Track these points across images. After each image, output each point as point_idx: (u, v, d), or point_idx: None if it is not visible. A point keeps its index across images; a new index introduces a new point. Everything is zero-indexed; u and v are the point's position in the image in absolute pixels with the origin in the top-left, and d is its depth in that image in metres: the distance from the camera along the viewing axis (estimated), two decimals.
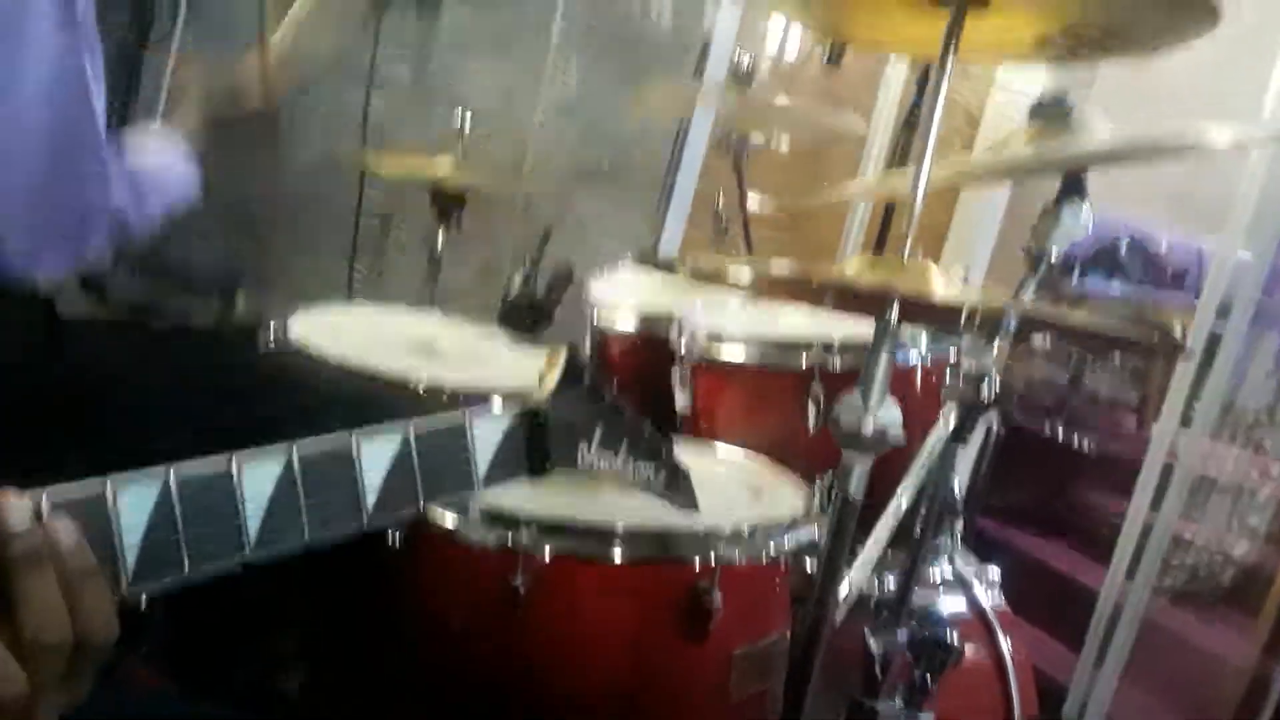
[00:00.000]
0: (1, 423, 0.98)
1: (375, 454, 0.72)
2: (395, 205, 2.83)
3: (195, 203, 1.45)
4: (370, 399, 1.35)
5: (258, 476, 0.67)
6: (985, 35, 1.05)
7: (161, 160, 1.24)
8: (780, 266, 1.08)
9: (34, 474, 0.63)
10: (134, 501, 0.62)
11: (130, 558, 0.61)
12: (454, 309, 1.93)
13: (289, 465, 0.68)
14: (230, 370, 1.24)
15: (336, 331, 1.53)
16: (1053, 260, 1.32)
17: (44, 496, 0.60)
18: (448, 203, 2.06)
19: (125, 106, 2.46)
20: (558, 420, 0.82)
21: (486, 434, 0.78)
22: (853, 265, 1.08)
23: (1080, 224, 1.31)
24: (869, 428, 0.97)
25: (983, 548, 1.70)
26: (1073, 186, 1.32)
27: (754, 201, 2.50)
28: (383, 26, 2.70)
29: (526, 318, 1.83)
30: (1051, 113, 1.38)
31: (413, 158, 2.15)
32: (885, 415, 0.98)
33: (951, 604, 1.46)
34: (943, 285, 1.03)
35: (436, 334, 1.67)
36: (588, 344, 1.88)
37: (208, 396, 1.15)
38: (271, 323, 1.46)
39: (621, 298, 1.87)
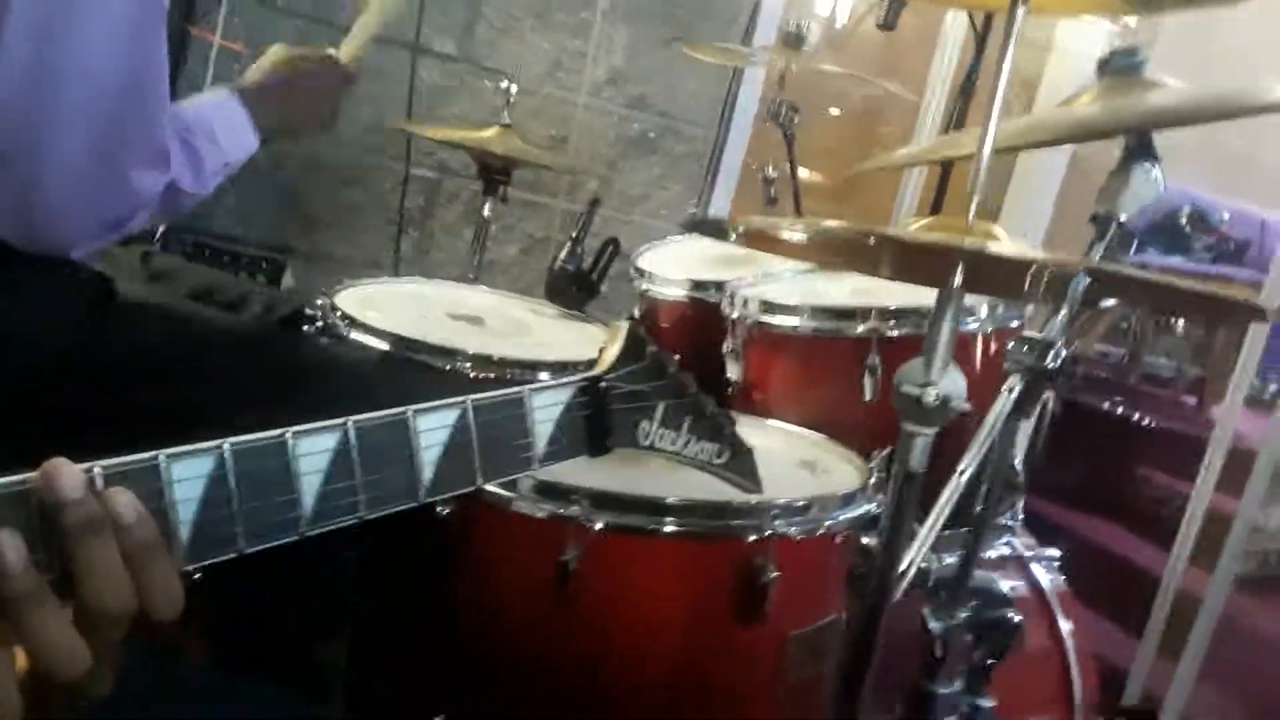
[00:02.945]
0: (54, 401, 0.98)
1: (432, 429, 0.71)
2: (442, 178, 2.82)
3: (244, 176, 1.44)
4: (419, 373, 1.34)
5: (313, 450, 0.66)
6: None
7: (221, 123, 1.18)
8: (836, 228, 1.04)
9: (84, 453, 0.62)
10: (188, 474, 0.61)
11: (184, 531, 0.60)
12: (501, 281, 1.92)
13: (345, 439, 0.67)
14: (281, 350, 1.23)
15: (383, 305, 1.53)
16: (1122, 222, 1.27)
17: (96, 467, 0.59)
18: (494, 174, 2.05)
19: (172, 83, 2.47)
20: (618, 397, 0.80)
21: (546, 410, 0.76)
22: (914, 225, 1.04)
23: (1151, 186, 1.26)
24: (932, 396, 0.94)
25: (1039, 527, 1.66)
26: (1141, 148, 1.27)
27: (804, 172, 2.46)
28: None
29: (573, 289, 1.81)
30: (1122, 66, 1.32)
31: (459, 128, 2.13)
32: (949, 384, 0.95)
33: (1011, 585, 1.42)
34: (1009, 244, 0.99)
35: (483, 306, 1.66)
36: (637, 313, 1.86)
37: (259, 378, 1.14)
38: (319, 298, 1.46)
39: (670, 266, 1.85)
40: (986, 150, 0.96)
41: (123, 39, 0.95)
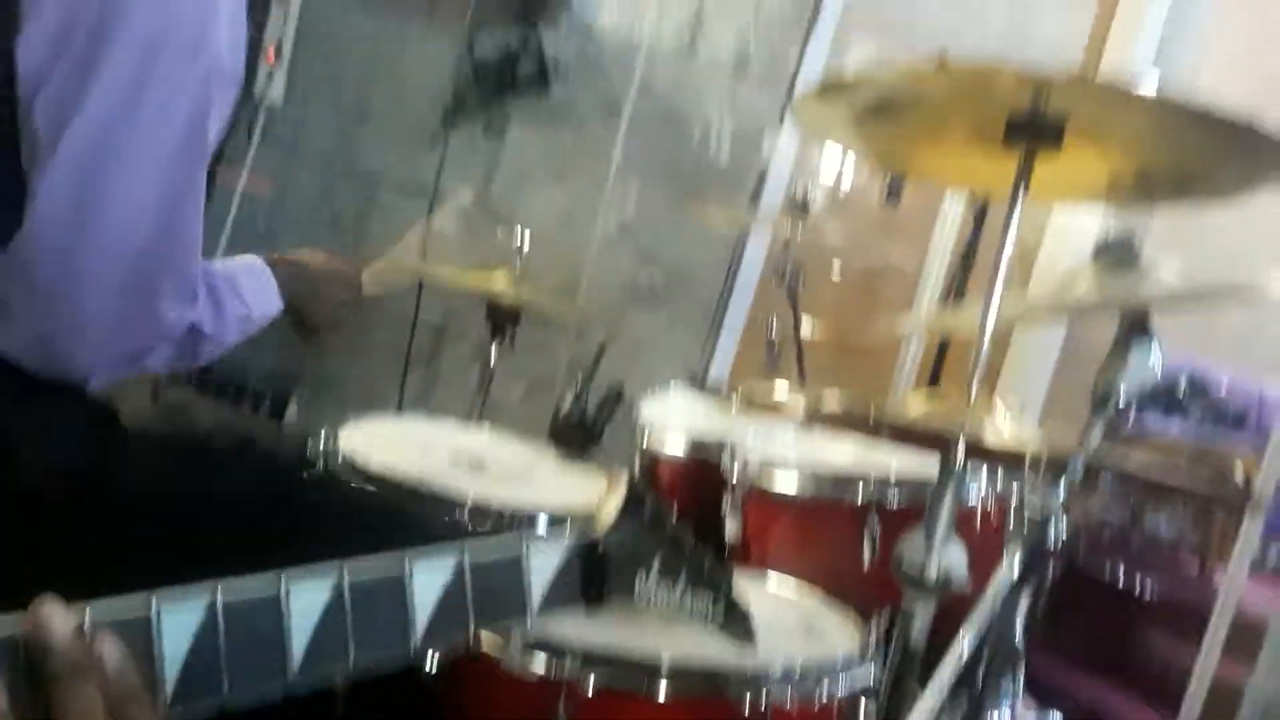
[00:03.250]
0: (56, 528, 0.98)
1: (428, 577, 0.70)
2: (450, 319, 2.87)
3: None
4: (419, 517, 1.34)
5: (306, 598, 0.65)
6: (1054, 176, 1.05)
7: (246, 279, 1.20)
8: (836, 400, 1.06)
9: (82, 581, 0.61)
10: (178, 621, 0.61)
11: (170, 678, 0.60)
12: (504, 424, 1.93)
13: (339, 587, 0.67)
14: (282, 487, 1.23)
15: (386, 444, 1.53)
16: (1120, 404, 1.29)
17: (87, 611, 0.58)
18: (502, 318, 2.08)
19: None
20: (616, 550, 0.80)
21: (543, 561, 0.76)
22: (914, 401, 1.05)
23: (1150, 366, 1.28)
24: (933, 570, 0.94)
25: (1040, 693, 1.61)
26: (1137, 327, 1.29)
27: (807, 327, 2.50)
28: (450, 146, 2.79)
29: (576, 436, 1.82)
30: (1118, 253, 1.36)
31: (471, 272, 2.18)
32: (950, 558, 0.95)
33: None
34: (1008, 426, 1.00)
35: (485, 449, 1.66)
36: (637, 465, 1.86)
37: (260, 516, 1.13)
38: (322, 433, 1.47)
39: (672, 420, 1.86)
40: (987, 334, 0.98)
41: (166, 177, 0.98)
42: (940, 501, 0.94)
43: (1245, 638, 2.03)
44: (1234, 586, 2.05)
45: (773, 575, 1.43)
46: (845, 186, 3.24)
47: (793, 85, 3.11)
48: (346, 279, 1.38)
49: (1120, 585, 2.85)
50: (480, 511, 1.36)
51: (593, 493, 1.55)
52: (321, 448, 1.44)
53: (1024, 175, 1.01)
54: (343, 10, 2.69)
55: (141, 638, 0.59)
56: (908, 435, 1.08)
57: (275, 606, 0.64)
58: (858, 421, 1.11)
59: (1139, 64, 3.56)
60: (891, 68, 0.96)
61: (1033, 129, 0.98)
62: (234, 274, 1.17)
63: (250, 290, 1.18)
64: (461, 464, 1.56)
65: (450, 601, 0.71)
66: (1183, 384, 3.67)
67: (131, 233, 0.96)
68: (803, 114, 1.09)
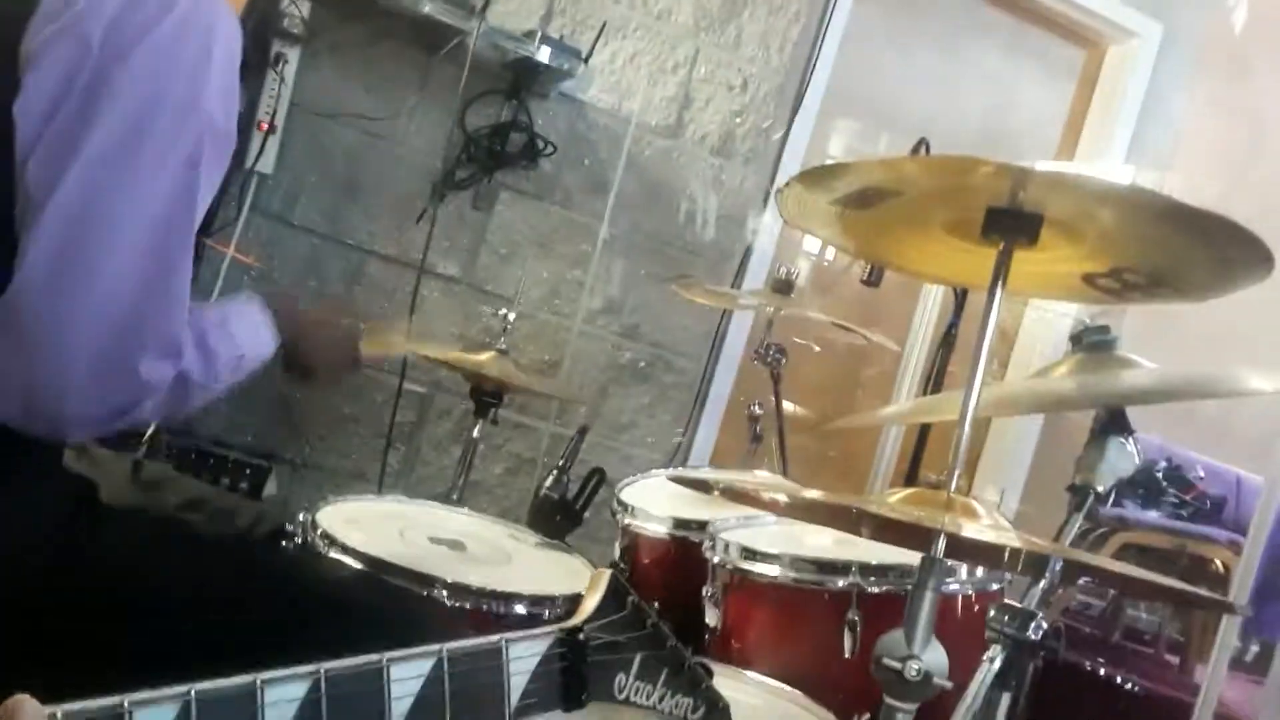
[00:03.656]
0: (30, 606, 0.96)
1: (406, 677, 0.70)
2: (433, 395, 2.87)
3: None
4: (397, 603, 1.32)
5: (282, 696, 0.64)
6: (1031, 271, 1.06)
7: (238, 319, 1.17)
8: (817, 494, 1.06)
9: (57, 664, 0.61)
10: None
11: None
12: (484, 500, 1.92)
13: (315, 686, 0.66)
14: (260, 568, 1.21)
15: (364, 524, 1.52)
16: (1099, 495, 1.30)
17: (59, 712, 0.57)
18: (486, 396, 2.08)
19: None
20: (596, 648, 0.79)
21: (522, 661, 0.75)
22: (894, 497, 1.06)
23: (1127, 459, 1.29)
24: (913, 671, 0.93)
25: None
26: (1114, 421, 1.31)
27: (789, 408, 2.51)
28: (437, 222, 2.81)
29: (557, 518, 1.81)
30: (1094, 343, 1.38)
31: (455, 349, 2.19)
32: (930, 658, 0.94)
33: None
34: (988, 522, 1.01)
35: (465, 530, 1.65)
36: (618, 548, 1.85)
37: (236, 595, 1.12)
38: (300, 514, 1.46)
39: (654, 501, 1.85)
40: (966, 429, 0.99)
41: (153, 240, 0.96)
42: (920, 598, 0.93)
43: None
44: (1215, 682, 2.04)
45: (751, 673, 1.41)
46: (829, 257, 3.29)
47: (777, 166, 3.17)
48: (346, 330, 1.37)
49: (1102, 681, 2.83)
50: (458, 593, 1.35)
51: (573, 577, 1.54)
52: (301, 525, 1.43)
53: (1002, 268, 1.02)
54: (336, 81, 2.73)
55: None
56: (888, 531, 1.08)
57: (250, 703, 0.63)
58: (838, 514, 1.11)
59: (1114, 149, 3.65)
60: (873, 157, 0.98)
61: (1011, 221, 1.00)
62: (226, 316, 1.15)
63: (243, 330, 1.15)
64: (441, 545, 1.55)
65: (427, 702, 0.70)
66: (1160, 472, 3.70)
67: (115, 296, 0.95)
68: (786, 201, 1.10)
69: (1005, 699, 1.15)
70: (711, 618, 1.56)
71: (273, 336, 1.20)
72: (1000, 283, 1.04)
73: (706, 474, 2.34)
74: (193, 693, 0.61)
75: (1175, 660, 3.34)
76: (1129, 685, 2.79)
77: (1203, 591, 1.01)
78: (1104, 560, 1.00)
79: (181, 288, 1.01)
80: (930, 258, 1.20)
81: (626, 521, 1.82)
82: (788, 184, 1.04)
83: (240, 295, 1.24)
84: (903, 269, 1.37)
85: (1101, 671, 2.74)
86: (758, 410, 2.41)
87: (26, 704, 0.56)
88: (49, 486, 1.09)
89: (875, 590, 1.41)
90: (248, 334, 1.16)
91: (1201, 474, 3.77)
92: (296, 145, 2.68)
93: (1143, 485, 3.71)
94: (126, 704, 0.59)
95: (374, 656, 0.69)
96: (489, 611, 1.37)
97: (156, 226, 0.98)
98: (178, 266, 1.00)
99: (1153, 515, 3.63)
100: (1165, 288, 1.11)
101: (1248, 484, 3.77)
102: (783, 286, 2.38)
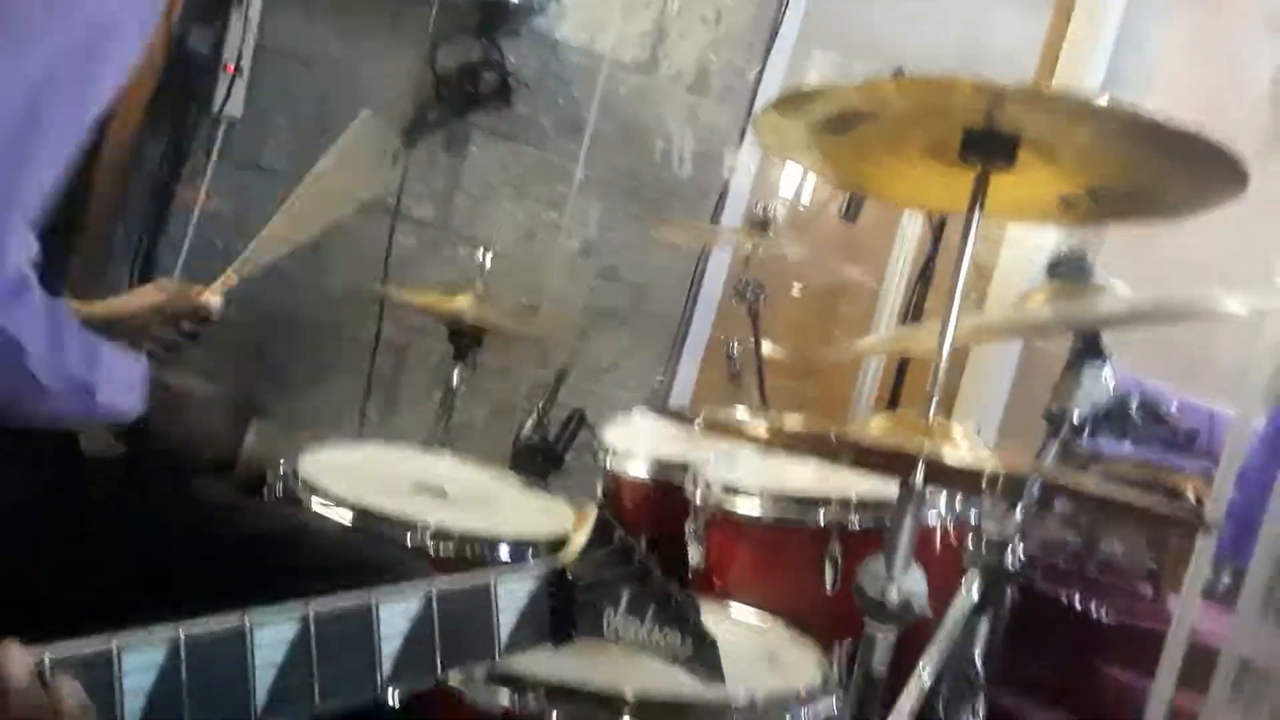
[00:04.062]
0: (13, 559, 0.96)
1: (395, 616, 0.70)
2: (412, 341, 2.85)
3: (213, 328, 1.42)
4: (380, 543, 1.33)
5: (271, 637, 0.65)
6: (1008, 194, 1.07)
7: (119, 368, 1.05)
8: (797, 423, 1.07)
9: (43, 618, 0.60)
10: (140, 662, 0.60)
11: (132, 718, 0.59)
12: (465, 448, 1.92)
13: (305, 625, 0.66)
14: (241, 517, 1.20)
15: (346, 472, 1.52)
16: (1074, 423, 1.31)
17: (46, 655, 0.57)
18: (464, 340, 2.07)
19: (153, 242, 2.51)
20: (584, 585, 0.80)
21: (511, 598, 0.76)
22: (874, 424, 1.07)
23: (1102, 385, 1.31)
24: (893, 597, 0.95)
25: None
26: (1090, 347, 1.32)
27: (768, 347, 2.52)
28: (410, 166, 2.77)
29: (538, 460, 1.82)
30: (1070, 271, 1.39)
31: (433, 294, 2.18)
32: (910, 584, 0.96)
33: None
34: (967, 447, 1.02)
35: (446, 475, 1.65)
36: (599, 489, 1.86)
37: (219, 545, 1.11)
38: (281, 462, 1.45)
39: (635, 443, 1.86)
40: (945, 356, 0.99)
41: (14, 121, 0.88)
42: (900, 525, 0.95)
43: (1199, 664, 2.06)
44: (1187, 612, 2.08)
45: (735, 605, 1.43)
46: (805, 202, 3.27)
47: (753, 102, 3.14)
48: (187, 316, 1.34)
49: (1077, 612, 2.89)
50: (442, 538, 1.36)
51: (555, 520, 1.55)
52: (281, 474, 1.43)
53: (980, 193, 1.02)
54: (303, 23, 2.67)
55: (102, 678, 0.58)
56: (868, 457, 1.09)
57: (239, 644, 0.63)
58: (820, 445, 1.12)
59: (1090, 79, 3.63)
60: (849, 81, 0.98)
61: (988, 143, 1.00)
62: (110, 356, 1.04)
63: (113, 369, 1.03)
64: (423, 491, 1.56)
65: (418, 638, 0.71)
66: (1134, 404, 3.74)
67: None
68: (763, 128, 1.10)
69: (984, 625, 1.18)
70: (694, 555, 1.57)
71: (140, 401, 1.07)
72: (978, 206, 1.04)
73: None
74: (181, 633, 0.61)
75: (1149, 592, 3.41)
76: (1104, 616, 2.85)
77: (1176, 508, 1.03)
78: (1080, 479, 1.01)
79: (31, 191, 0.90)
80: (908, 183, 1.20)
81: (608, 462, 1.83)
82: (765, 110, 1.03)
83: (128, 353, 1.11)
84: (882, 196, 1.37)
85: (1077, 603, 2.80)
86: (736, 349, 2.42)
87: (12, 648, 0.56)
88: (27, 437, 1.08)
89: (856, 525, 1.43)
90: (116, 378, 1.04)
91: (1175, 408, 3.82)
92: (264, 88, 2.62)
93: (1117, 420, 3.75)
94: (115, 645, 0.59)
95: (363, 594, 0.69)
96: (473, 556, 1.38)
97: (16, 112, 0.90)
98: (31, 161, 0.89)
99: (1127, 448, 3.68)
100: (1141, 208, 1.12)
101: (1220, 417, 3.82)
102: (760, 223, 2.37)
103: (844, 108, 1.02)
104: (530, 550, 1.41)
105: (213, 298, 1.38)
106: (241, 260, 1.49)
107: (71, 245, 1.05)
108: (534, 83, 2.87)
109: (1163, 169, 1.00)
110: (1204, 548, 2.11)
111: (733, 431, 1.15)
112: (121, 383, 1.05)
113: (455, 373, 2.05)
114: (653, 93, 3.04)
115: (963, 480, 1.16)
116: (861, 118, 1.04)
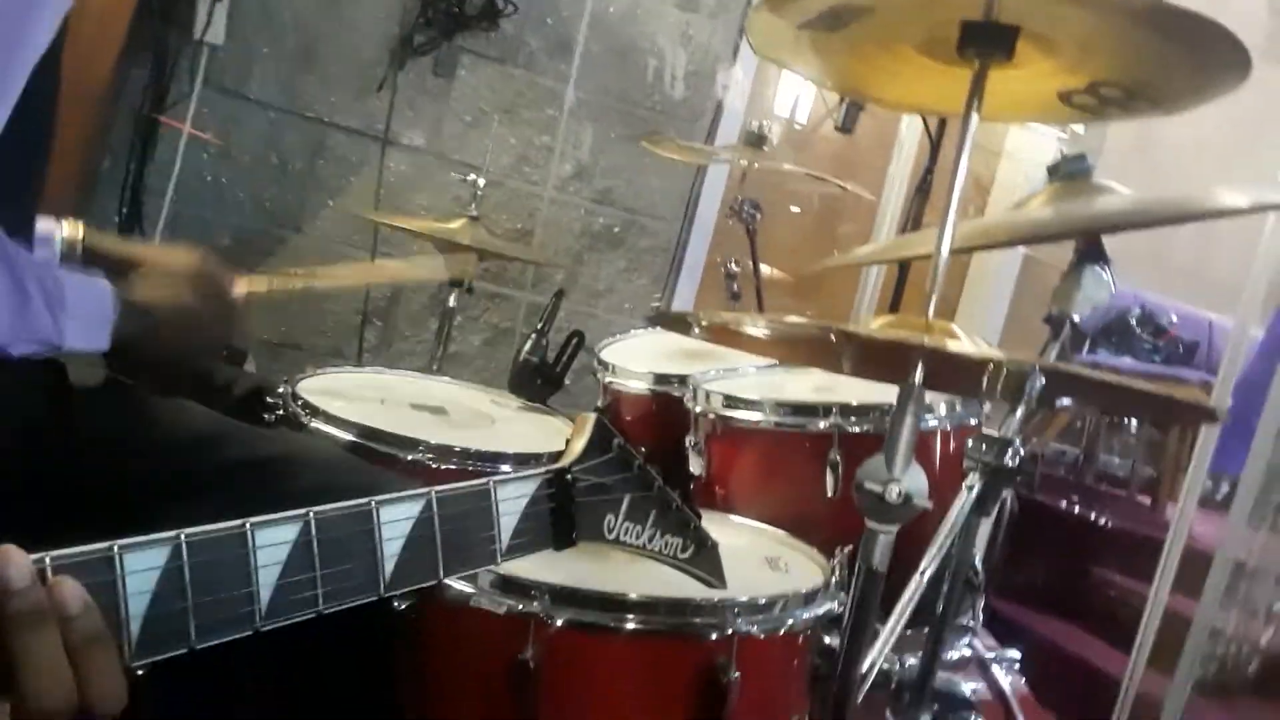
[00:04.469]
0: (7, 491, 0.96)
1: (395, 520, 0.70)
2: None
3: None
4: (380, 468, 1.33)
5: (272, 541, 0.64)
6: (1008, 91, 1.04)
7: (77, 301, 0.98)
8: (798, 322, 1.06)
9: (40, 544, 0.60)
10: (142, 565, 0.60)
11: (135, 625, 0.59)
12: (464, 372, 1.92)
13: (306, 530, 0.66)
14: (241, 438, 1.19)
15: (345, 394, 1.52)
16: (1076, 322, 1.30)
17: (47, 558, 0.57)
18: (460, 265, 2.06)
19: (140, 173, 2.48)
20: (584, 489, 0.80)
21: (511, 502, 0.76)
22: (873, 323, 1.06)
23: (1103, 288, 1.30)
24: (894, 493, 0.95)
25: (999, 628, 1.65)
26: (1091, 250, 1.31)
27: (766, 266, 2.51)
28: (399, 90, 2.73)
29: (537, 382, 1.81)
30: (1071, 171, 1.37)
31: (426, 220, 2.16)
32: (910, 481, 0.95)
33: (973, 687, 1.41)
34: (967, 342, 1.01)
35: (446, 397, 1.65)
36: (600, 403, 1.86)
37: (219, 465, 1.11)
38: (281, 386, 1.45)
39: (634, 359, 1.86)
40: (944, 258, 0.98)
41: None
42: (900, 421, 0.94)
43: (1194, 570, 2.09)
44: (1184, 519, 2.10)
45: (737, 516, 1.44)
46: (801, 119, 3.23)
47: (744, 17, 3.08)
48: (221, 296, 1.15)
49: (1077, 520, 2.92)
50: (442, 455, 1.36)
51: (556, 436, 1.55)
52: (281, 397, 1.42)
53: (978, 89, 1.00)
54: None
55: (105, 582, 0.58)
56: (868, 356, 1.08)
57: (241, 547, 0.63)
58: (820, 350, 1.11)
59: None
60: None
61: (986, 35, 0.98)
62: (64, 286, 0.97)
63: (79, 308, 0.98)
64: (422, 412, 1.56)
65: (418, 543, 0.71)
66: (1134, 319, 3.73)
67: None
68: (755, 29, 1.07)
69: (985, 525, 1.18)
70: (695, 466, 1.58)
71: (106, 336, 1.02)
72: (977, 103, 1.02)
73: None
74: (182, 536, 0.61)
75: (1147, 500, 3.44)
76: (1103, 523, 2.88)
77: (1184, 394, 1.02)
78: (1083, 369, 1.00)
79: None
80: (905, 84, 1.17)
81: (608, 380, 1.83)
82: (756, 8, 1.00)
83: (99, 280, 1.03)
84: (878, 99, 1.34)
85: (1076, 510, 2.83)
86: (734, 268, 2.40)
87: (12, 551, 0.55)
88: (13, 368, 1.06)
89: (856, 430, 1.43)
90: (79, 323, 0.98)
91: (1174, 319, 3.82)
92: (246, 14, 2.56)
93: (1117, 332, 3.76)
94: (116, 548, 0.59)
95: (363, 500, 0.69)
96: (474, 472, 1.38)
97: None
98: None
99: (1127, 361, 3.69)
100: (1142, 100, 1.09)
101: (1219, 327, 3.82)
102: (755, 140, 2.34)
103: (837, 1, 1.00)
104: (532, 464, 1.41)
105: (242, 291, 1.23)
106: (282, 276, 1.38)
107: (42, 176, 0.98)
108: (522, 2, 2.81)
109: (1164, 57, 0.98)
110: (1202, 455, 2.12)
111: (734, 334, 1.13)
112: (89, 319, 1.00)
113: (452, 298, 2.04)
114: (643, 10, 2.98)
115: (964, 380, 1.16)
116: (855, 12, 1.01)
